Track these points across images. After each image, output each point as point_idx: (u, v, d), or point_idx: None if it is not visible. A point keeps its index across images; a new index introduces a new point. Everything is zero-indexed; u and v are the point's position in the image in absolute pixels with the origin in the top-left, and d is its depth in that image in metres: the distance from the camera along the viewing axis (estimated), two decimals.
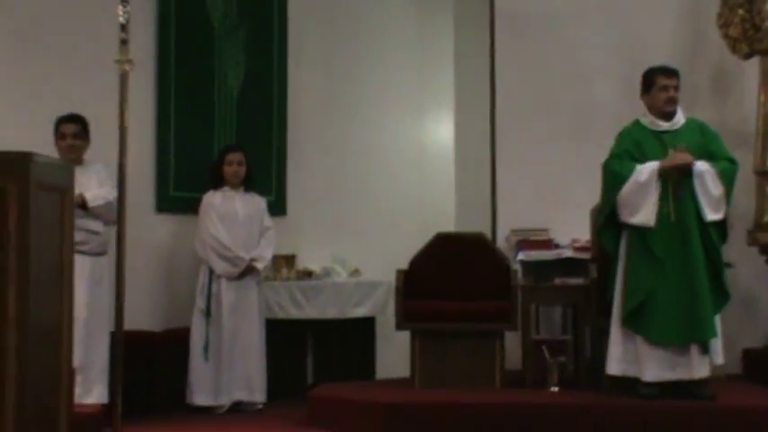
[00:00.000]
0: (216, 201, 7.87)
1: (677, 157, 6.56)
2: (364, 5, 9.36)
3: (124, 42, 5.54)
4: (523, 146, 8.42)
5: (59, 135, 6.92)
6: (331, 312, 8.54)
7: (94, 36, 7.07)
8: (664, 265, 6.53)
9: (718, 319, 6.62)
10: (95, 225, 6.71)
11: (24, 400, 4.68)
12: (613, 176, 6.68)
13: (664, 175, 6.55)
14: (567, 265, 7.68)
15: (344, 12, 9.26)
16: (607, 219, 6.76)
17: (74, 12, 7.30)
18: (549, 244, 7.86)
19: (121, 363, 5.54)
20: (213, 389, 7.62)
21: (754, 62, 7.75)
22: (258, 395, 7.76)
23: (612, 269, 6.83)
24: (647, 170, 6.56)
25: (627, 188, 6.60)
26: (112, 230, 6.78)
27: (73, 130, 6.92)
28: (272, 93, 8.84)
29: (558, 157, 8.28)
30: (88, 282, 6.59)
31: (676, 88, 6.77)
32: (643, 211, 6.58)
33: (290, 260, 8.58)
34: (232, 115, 8.62)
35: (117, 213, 5.59)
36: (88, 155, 6.98)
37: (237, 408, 7.68)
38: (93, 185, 6.74)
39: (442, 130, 9.57)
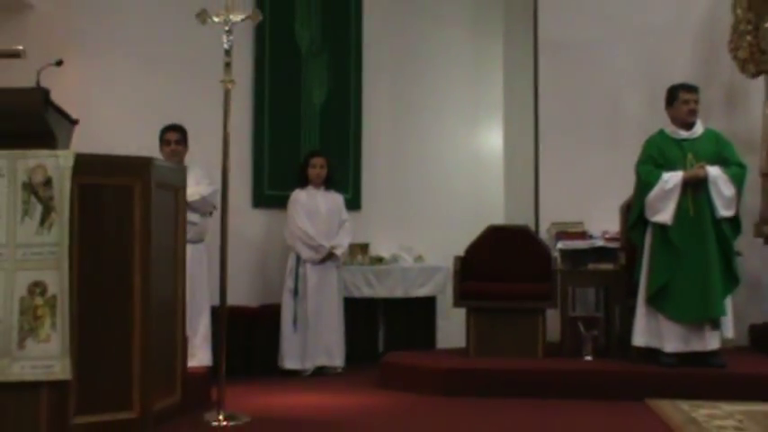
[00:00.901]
0: (302, 198, 7.94)
1: (697, 172, 6.54)
2: (427, 32, 9.33)
3: (228, 65, 5.66)
4: (562, 152, 8.38)
5: (164, 141, 6.99)
6: (398, 292, 8.55)
7: (202, 59, 7.16)
8: (682, 254, 6.50)
9: (729, 300, 6.58)
10: (193, 217, 6.65)
11: (147, 361, 4.81)
12: (643, 184, 6.68)
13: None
14: (600, 253, 7.65)
15: (411, 38, 9.23)
16: (638, 217, 6.76)
17: (186, 39, 7.40)
18: (583, 235, 7.81)
19: (224, 332, 5.66)
20: (300, 355, 7.69)
21: (761, 80, 7.62)
22: (338, 361, 7.82)
23: (639, 257, 6.81)
24: (673, 180, 6.56)
25: (654, 193, 6.60)
26: (209, 221, 6.92)
27: (176, 137, 7.00)
28: (349, 107, 8.88)
29: (592, 162, 8.22)
30: (189, 264, 6.64)
31: (696, 102, 6.74)
32: (664, 212, 6.58)
33: (364, 248, 8.61)
34: (316, 126, 8.68)
35: (220, 208, 5.70)
36: (187, 158, 7.04)
37: (320, 371, 7.74)
38: (191, 183, 6.79)
39: (492, 138, 9.53)
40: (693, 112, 6.74)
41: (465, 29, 9.57)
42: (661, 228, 6.59)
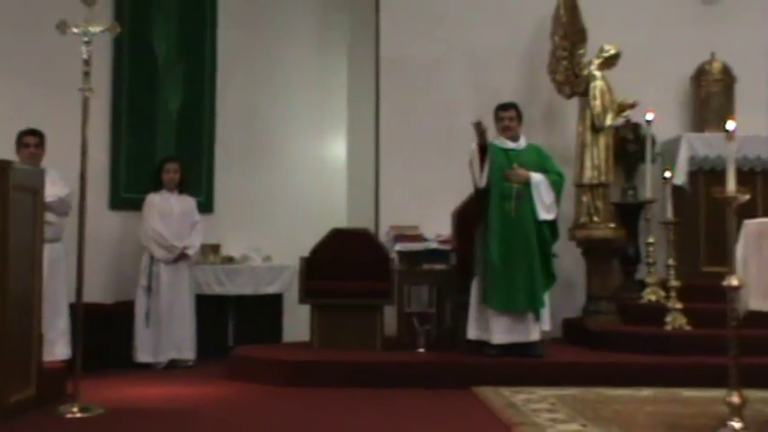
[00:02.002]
0: (156, 201, 7.86)
1: (520, 171, 6.79)
2: (277, 46, 9.33)
3: (86, 74, 5.57)
4: (400, 161, 8.52)
5: (23, 144, 6.70)
6: (248, 289, 8.53)
7: (63, 68, 6.99)
8: (507, 253, 6.74)
9: (547, 296, 6.86)
10: (50, 217, 6.39)
11: (2, 356, 4.69)
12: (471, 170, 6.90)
13: (509, 183, 6.78)
14: (433, 254, 7.83)
15: (262, 51, 9.21)
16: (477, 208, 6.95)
17: (44, 49, 7.22)
18: (419, 238, 7.96)
19: (81, 328, 5.56)
20: (153, 349, 7.61)
21: (575, 101, 7.96)
22: (189, 354, 7.77)
23: (469, 258, 7.02)
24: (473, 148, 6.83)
25: (471, 160, 6.86)
26: (65, 221, 6.75)
27: (34, 141, 6.74)
28: (203, 115, 8.81)
29: (427, 171, 8.38)
30: (47, 263, 6.44)
31: (511, 119, 7.00)
32: (480, 177, 6.83)
33: (215, 248, 8.58)
34: (172, 132, 8.59)
35: (78, 209, 5.60)
36: (44, 161, 6.78)
37: (173, 364, 7.67)
38: (48, 185, 6.56)
39: (336, 147, 9.61)
40: (507, 128, 7.01)
41: (312, 45, 9.62)
42: (489, 227, 6.80)
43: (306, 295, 7.38)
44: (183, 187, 8.01)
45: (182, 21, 8.72)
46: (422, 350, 7.17)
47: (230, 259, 8.62)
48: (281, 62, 9.43)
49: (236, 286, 8.47)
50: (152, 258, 7.72)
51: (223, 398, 6.16)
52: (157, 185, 7.92)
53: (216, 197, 8.88)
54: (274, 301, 8.79)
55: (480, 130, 6.75)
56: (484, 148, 6.81)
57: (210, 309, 8.31)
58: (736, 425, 4.51)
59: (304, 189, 9.37)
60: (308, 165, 9.48)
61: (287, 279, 8.67)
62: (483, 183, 6.82)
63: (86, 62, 5.54)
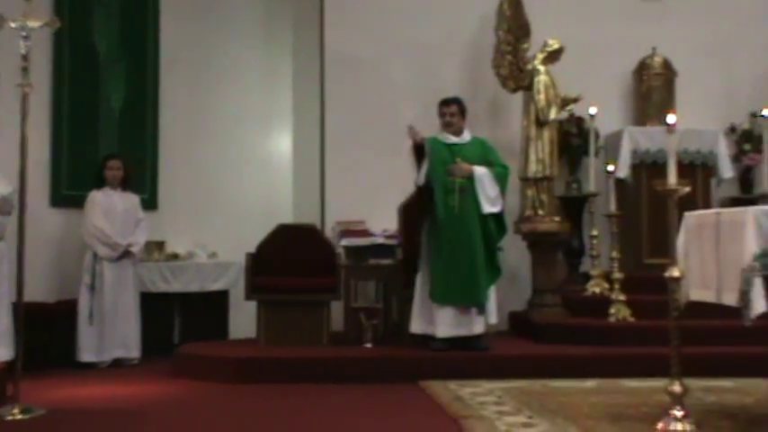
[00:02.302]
0: (98, 198, 7.75)
1: (463, 166, 6.82)
2: (222, 42, 9.26)
3: (25, 70, 5.47)
4: (346, 157, 8.52)
5: None
6: (193, 286, 8.45)
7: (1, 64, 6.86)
8: (451, 247, 6.77)
9: (492, 289, 6.91)
10: None
11: None
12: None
13: (452, 177, 6.80)
14: (380, 249, 7.83)
15: (206, 47, 9.14)
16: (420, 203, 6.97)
17: None
18: (365, 233, 7.96)
19: (22, 327, 5.47)
20: (97, 348, 7.50)
21: (519, 95, 8.03)
22: (134, 352, 7.68)
23: (415, 252, 7.04)
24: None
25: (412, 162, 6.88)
26: (8, 220, 6.61)
27: None
28: (146, 111, 8.71)
29: (373, 166, 8.40)
30: None
31: (452, 114, 7.03)
32: (419, 174, 6.86)
33: (160, 245, 8.48)
34: (114, 129, 8.47)
35: (18, 207, 5.50)
36: None
37: (117, 363, 7.58)
38: None
39: (282, 143, 9.57)
40: (449, 124, 7.04)
41: (256, 39, 9.57)
42: (433, 223, 6.83)
43: (252, 291, 7.35)
44: (126, 184, 7.91)
45: (123, 15, 8.61)
46: (369, 345, 7.17)
47: (175, 256, 8.54)
48: (226, 57, 9.36)
49: (182, 283, 8.39)
50: (95, 256, 7.61)
51: (169, 396, 6.11)
52: (100, 182, 7.81)
53: (160, 194, 8.79)
54: (220, 298, 8.72)
55: (413, 134, 6.77)
56: (420, 149, 6.82)
57: (155, 306, 8.22)
58: (678, 413, 4.58)
59: (249, 185, 9.32)
60: (254, 160, 9.42)
61: (233, 276, 8.61)
62: (421, 181, 6.86)
63: (25, 57, 5.45)
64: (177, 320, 8.58)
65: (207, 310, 8.62)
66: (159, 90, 8.82)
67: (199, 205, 8.93)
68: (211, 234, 8.82)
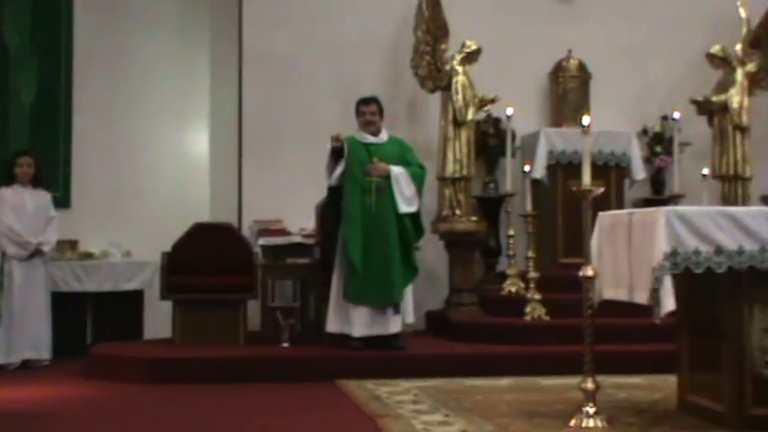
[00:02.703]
0: (8, 195, 7.55)
1: (380, 165, 6.83)
2: (137, 38, 9.10)
3: None
4: (264, 155, 8.44)
5: None
6: (107, 286, 8.30)
7: None
8: (367, 247, 6.77)
9: (409, 288, 6.93)
10: None
11: None
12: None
13: (369, 177, 6.80)
14: (297, 248, 7.81)
15: (121, 43, 8.97)
16: (331, 204, 6.95)
17: None
18: (283, 232, 7.93)
19: None
20: (5, 349, 7.30)
21: (437, 96, 8.05)
22: (44, 353, 7.49)
23: (333, 251, 7.02)
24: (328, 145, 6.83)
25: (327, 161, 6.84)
26: None
27: None
28: (59, 108, 8.55)
29: (291, 165, 8.33)
30: None
31: (373, 113, 7.04)
32: (333, 176, 6.86)
33: (73, 244, 8.32)
34: (25, 125, 8.31)
35: None
36: None
37: (27, 364, 7.38)
38: None
39: (199, 141, 9.44)
40: (368, 123, 7.04)
41: (173, 34, 9.42)
42: (349, 223, 6.82)
43: (167, 291, 7.27)
44: (37, 182, 7.72)
45: (35, 8, 8.43)
46: (286, 344, 7.13)
47: (89, 255, 8.37)
48: (142, 52, 9.20)
49: (95, 283, 8.24)
50: (4, 255, 7.42)
51: (81, 398, 5.99)
52: (10, 180, 7.61)
53: (73, 191, 8.63)
54: (135, 298, 8.58)
55: (335, 139, 6.76)
56: (339, 151, 6.80)
57: (67, 306, 8.04)
58: (590, 410, 4.66)
59: (165, 183, 9.18)
60: (170, 158, 9.29)
61: (148, 275, 8.47)
62: (333, 181, 6.85)
63: None
64: (90, 320, 8.42)
65: (121, 310, 8.47)
66: (72, 85, 8.66)
67: (113, 203, 8.77)
68: (126, 233, 8.66)
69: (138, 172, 9.05)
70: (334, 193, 6.95)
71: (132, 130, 9.07)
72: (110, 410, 5.58)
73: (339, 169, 6.82)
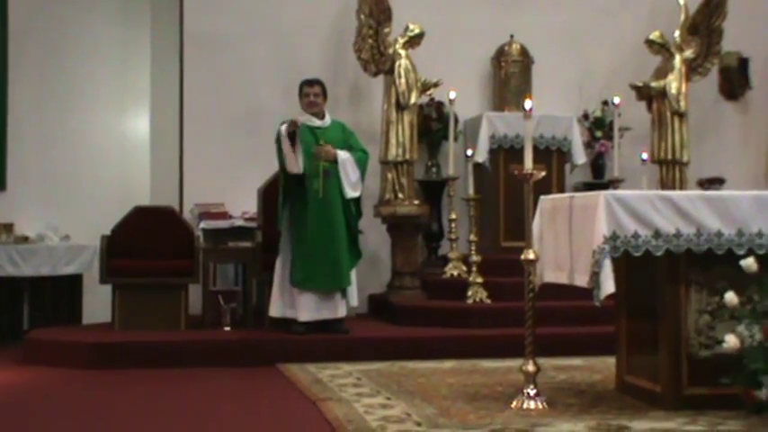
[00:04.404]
0: None
1: (327, 149, 6.80)
2: (75, 19, 8.96)
3: None
4: (205, 137, 8.35)
5: None
6: (44, 270, 8.17)
7: None
8: (315, 231, 6.75)
9: (353, 272, 6.93)
10: None
11: None
12: (276, 143, 6.82)
13: (317, 161, 6.76)
14: (239, 232, 7.75)
15: (58, 24, 8.81)
16: (284, 190, 6.85)
17: None
18: (224, 215, 7.85)
19: None
20: None
21: (380, 79, 8.04)
22: None
23: (275, 235, 6.98)
24: (282, 131, 6.72)
25: (282, 145, 6.73)
26: None
27: None
28: None
29: (233, 147, 8.28)
30: None
31: (316, 95, 7.00)
32: (294, 163, 6.72)
33: (8, 227, 8.16)
34: None
35: None
36: None
37: None
38: None
39: (140, 124, 9.33)
40: (312, 104, 7.00)
41: (113, 15, 9.30)
42: (298, 207, 6.79)
43: (107, 275, 7.19)
44: None
45: None
46: (227, 328, 7.11)
47: (25, 239, 8.23)
48: (80, 33, 9.05)
49: (32, 267, 8.10)
50: None
51: (18, 384, 5.90)
52: None
53: (9, 174, 8.46)
54: (73, 282, 8.47)
55: (295, 124, 6.70)
56: (293, 137, 6.75)
57: (3, 291, 7.92)
58: (531, 392, 4.70)
59: (105, 166, 9.08)
60: (110, 140, 9.18)
61: (87, 259, 8.38)
62: (300, 169, 6.75)
63: None
64: (26, 305, 8.29)
65: (59, 294, 8.37)
66: (7, 64, 8.47)
67: (51, 186, 8.65)
68: (64, 216, 8.55)
69: (77, 154, 8.92)
70: (294, 178, 6.83)
71: (71, 112, 8.94)
72: (48, 396, 5.50)
73: (299, 155, 6.72)
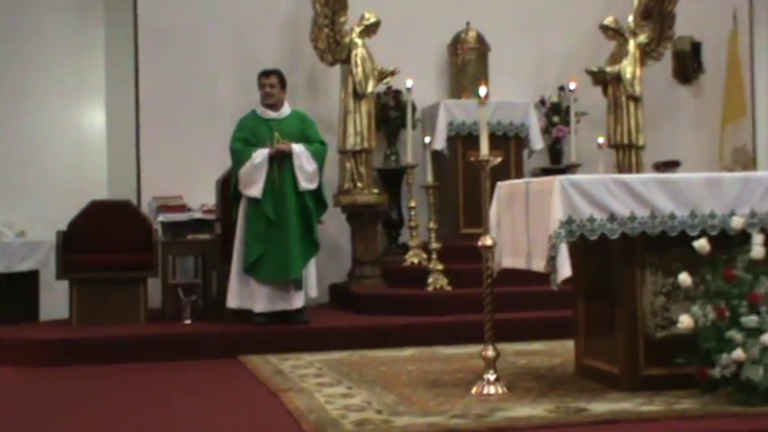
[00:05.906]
0: None
1: (282, 147, 6.78)
2: (27, 10, 8.83)
3: None
4: (162, 130, 8.27)
5: None
6: None
7: None
8: (271, 224, 6.74)
9: (313, 263, 6.92)
10: None
11: None
12: (237, 161, 6.84)
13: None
14: (198, 224, 7.73)
15: (9, 16, 8.71)
16: (235, 191, 6.87)
17: None
18: (183, 208, 7.82)
19: None
20: None
21: (337, 68, 8.04)
22: None
23: (233, 227, 6.96)
24: (260, 156, 6.73)
25: (245, 169, 6.75)
26: None
27: None
28: None
29: (190, 139, 8.21)
30: None
31: (272, 86, 6.98)
32: (254, 187, 6.75)
33: None
34: None
35: None
36: None
37: None
38: None
39: (95, 117, 9.20)
40: (268, 95, 6.98)
41: (65, 8, 9.15)
42: (253, 201, 6.78)
43: (64, 270, 7.14)
44: None
45: None
46: (188, 321, 7.09)
47: None
48: (32, 27, 8.90)
49: None
50: None
51: None
52: None
53: None
54: (29, 279, 8.37)
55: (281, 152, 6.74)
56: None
57: None
58: (491, 377, 4.74)
59: (60, 160, 8.94)
60: (64, 134, 9.04)
61: (43, 255, 8.28)
62: (259, 194, 6.73)
63: None
64: None
65: (14, 291, 8.26)
66: None
67: (5, 182, 8.53)
68: (19, 212, 8.45)
69: (32, 150, 8.79)
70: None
71: (24, 107, 8.81)
72: (5, 395, 5.44)
73: (261, 184, 6.71)
